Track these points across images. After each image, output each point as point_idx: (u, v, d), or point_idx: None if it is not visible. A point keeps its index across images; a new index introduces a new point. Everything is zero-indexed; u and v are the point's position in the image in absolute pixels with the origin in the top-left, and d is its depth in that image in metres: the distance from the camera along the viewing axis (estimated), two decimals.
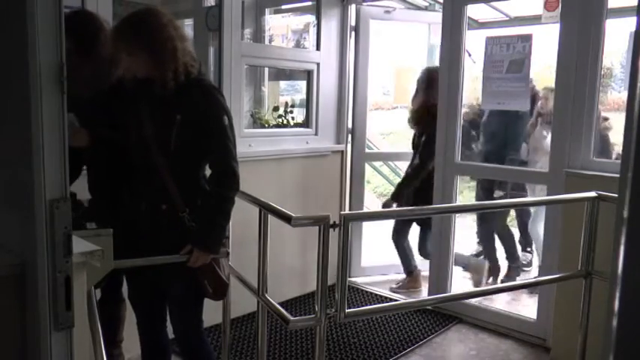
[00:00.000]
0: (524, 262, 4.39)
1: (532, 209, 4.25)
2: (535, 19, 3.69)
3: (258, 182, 3.08)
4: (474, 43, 3.80)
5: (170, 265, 2.04)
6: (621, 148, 0.71)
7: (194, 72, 2.04)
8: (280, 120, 4.12)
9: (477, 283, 4.01)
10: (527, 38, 3.29)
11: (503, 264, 4.19)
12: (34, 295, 1.13)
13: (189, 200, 2.06)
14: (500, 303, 3.46)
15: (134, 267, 2.04)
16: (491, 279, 4.10)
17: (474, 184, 8.24)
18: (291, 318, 1.96)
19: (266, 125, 4.18)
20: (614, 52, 7.43)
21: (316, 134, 3.93)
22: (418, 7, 4.78)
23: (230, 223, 2.48)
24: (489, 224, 4.27)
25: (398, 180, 4.44)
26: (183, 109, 2.01)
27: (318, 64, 3.87)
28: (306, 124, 4.00)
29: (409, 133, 4.90)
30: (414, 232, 4.07)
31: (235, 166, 2.06)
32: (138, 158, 2.10)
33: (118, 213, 2.10)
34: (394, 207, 3.76)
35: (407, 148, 4.74)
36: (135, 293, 2.27)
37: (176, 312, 2.21)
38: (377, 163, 5.82)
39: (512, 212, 4.56)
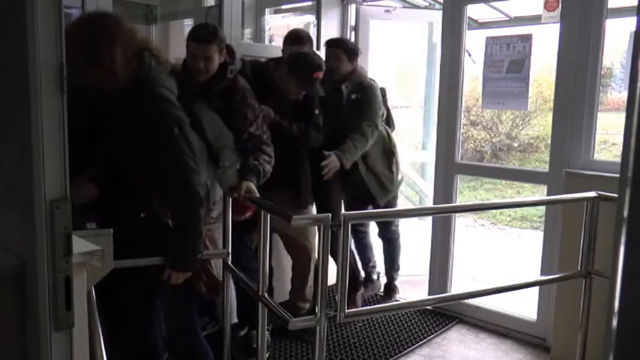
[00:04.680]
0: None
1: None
2: (535, 19, 3.70)
3: None
4: (474, 43, 3.80)
5: (160, 268, 2.03)
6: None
7: None
8: None
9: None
10: (527, 38, 3.29)
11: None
12: (34, 295, 1.13)
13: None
14: (501, 303, 3.45)
15: (126, 273, 1.97)
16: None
17: (474, 183, 8.30)
18: (291, 318, 1.96)
19: None
20: (614, 52, 7.44)
21: None
22: (418, 7, 4.77)
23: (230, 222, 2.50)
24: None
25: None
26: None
27: None
28: None
29: (410, 131, 4.90)
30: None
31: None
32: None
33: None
34: None
35: (407, 146, 4.73)
36: (126, 295, 2.23)
37: (169, 312, 2.20)
38: None
39: None
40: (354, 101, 3.39)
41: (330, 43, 3.46)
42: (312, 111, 3.09)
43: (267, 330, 2.97)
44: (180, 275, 2.03)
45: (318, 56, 3.12)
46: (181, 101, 2.05)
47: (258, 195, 2.42)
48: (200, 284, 2.12)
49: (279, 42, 5.00)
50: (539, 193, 5.99)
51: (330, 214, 1.92)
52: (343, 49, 3.40)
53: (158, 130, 1.93)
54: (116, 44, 1.84)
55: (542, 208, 4.74)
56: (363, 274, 3.87)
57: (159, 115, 1.93)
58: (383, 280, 3.98)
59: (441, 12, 3.63)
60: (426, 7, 4.76)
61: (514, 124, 9.33)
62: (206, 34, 2.54)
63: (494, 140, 9.36)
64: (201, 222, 2.02)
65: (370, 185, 3.43)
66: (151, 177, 1.99)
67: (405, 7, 4.64)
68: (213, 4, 3.88)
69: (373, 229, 3.94)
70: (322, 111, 3.17)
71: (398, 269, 3.87)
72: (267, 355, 2.90)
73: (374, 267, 3.94)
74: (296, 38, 3.31)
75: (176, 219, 2.01)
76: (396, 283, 3.88)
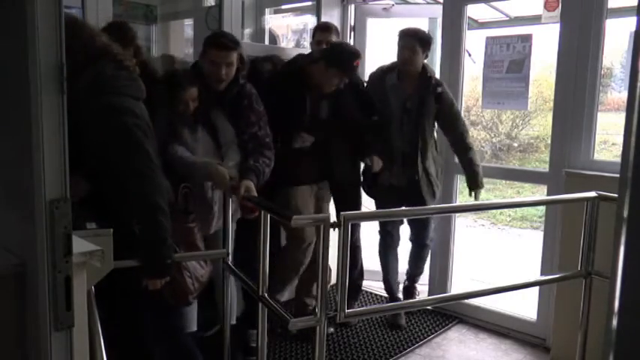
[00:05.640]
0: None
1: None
2: (535, 19, 3.69)
3: None
4: (474, 43, 3.80)
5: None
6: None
7: None
8: None
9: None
10: (527, 38, 3.29)
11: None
12: (34, 295, 1.13)
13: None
14: (501, 303, 3.46)
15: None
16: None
17: None
18: (291, 318, 1.96)
19: None
20: (614, 52, 7.44)
21: None
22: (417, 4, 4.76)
23: (233, 222, 2.50)
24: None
25: None
26: None
27: None
28: None
29: None
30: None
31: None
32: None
33: None
34: None
35: None
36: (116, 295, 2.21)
37: (151, 316, 2.19)
38: None
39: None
40: (439, 95, 3.33)
41: (407, 33, 3.34)
42: (371, 116, 3.18)
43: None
44: (157, 281, 2.04)
45: (351, 45, 3.13)
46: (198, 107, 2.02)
47: (256, 194, 2.42)
48: (165, 290, 2.11)
49: (278, 42, 5.01)
50: (539, 193, 5.99)
51: (329, 214, 1.92)
52: (418, 40, 3.31)
53: (109, 140, 1.90)
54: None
55: (542, 208, 4.74)
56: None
57: (108, 124, 1.90)
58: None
59: (439, 6, 3.60)
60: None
61: (514, 124, 9.32)
62: (228, 41, 2.59)
63: (494, 140, 9.35)
64: (164, 230, 1.97)
65: (422, 187, 3.36)
66: (111, 185, 1.97)
67: (398, 3, 4.58)
68: (213, 4, 3.88)
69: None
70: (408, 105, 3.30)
71: (421, 273, 3.75)
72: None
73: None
74: (323, 27, 3.40)
75: (139, 227, 2.00)
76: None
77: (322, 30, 3.39)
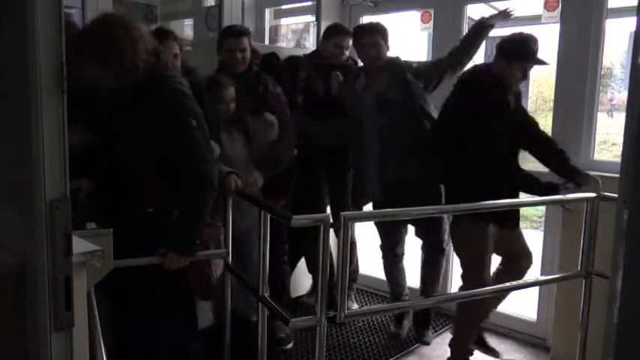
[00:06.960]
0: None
1: None
2: (535, 19, 3.69)
3: None
4: None
5: (155, 266, 2.05)
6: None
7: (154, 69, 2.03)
8: None
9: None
10: None
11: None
12: (34, 295, 1.13)
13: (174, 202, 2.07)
14: (501, 303, 3.45)
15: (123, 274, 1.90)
16: None
17: None
18: (291, 318, 1.96)
19: None
20: (614, 52, 7.43)
21: None
22: None
23: (231, 221, 2.50)
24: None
25: None
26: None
27: None
28: None
29: None
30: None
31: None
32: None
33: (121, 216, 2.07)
34: None
35: None
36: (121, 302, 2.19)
37: (162, 316, 2.19)
38: None
39: None
40: (421, 89, 3.09)
41: (365, 30, 3.09)
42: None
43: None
44: (176, 259, 2.06)
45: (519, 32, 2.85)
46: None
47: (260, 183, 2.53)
48: (195, 283, 2.13)
49: (278, 42, 5.02)
50: None
51: (329, 214, 1.92)
52: (380, 34, 3.05)
53: (176, 121, 2.00)
54: (138, 38, 1.95)
55: (542, 208, 4.73)
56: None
57: (176, 106, 2.01)
58: None
59: None
60: None
61: None
62: (238, 29, 2.93)
63: None
64: (208, 210, 2.07)
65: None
66: (163, 168, 2.03)
67: None
68: (213, 4, 3.88)
69: None
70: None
71: (439, 276, 3.35)
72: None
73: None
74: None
75: (184, 204, 2.05)
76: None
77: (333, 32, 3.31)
